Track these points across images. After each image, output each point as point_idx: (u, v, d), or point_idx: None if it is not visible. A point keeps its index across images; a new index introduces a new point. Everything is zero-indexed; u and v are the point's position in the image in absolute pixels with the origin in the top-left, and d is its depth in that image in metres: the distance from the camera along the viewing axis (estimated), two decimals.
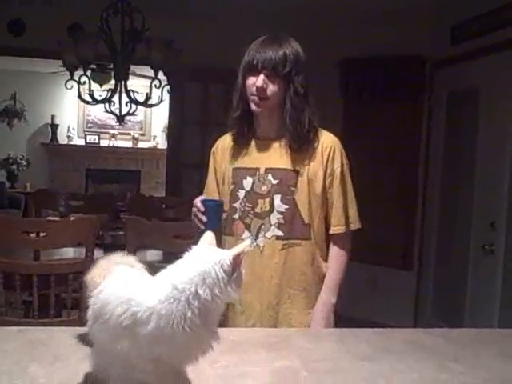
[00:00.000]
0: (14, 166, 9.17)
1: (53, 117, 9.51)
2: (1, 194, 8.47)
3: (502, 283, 3.67)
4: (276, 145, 1.90)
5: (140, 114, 9.56)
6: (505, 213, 3.68)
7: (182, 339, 0.97)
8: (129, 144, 9.89)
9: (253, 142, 1.94)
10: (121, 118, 3.57)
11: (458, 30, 4.38)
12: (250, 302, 1.90)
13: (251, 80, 1.84)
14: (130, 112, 3.56)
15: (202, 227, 1.85)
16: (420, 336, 1.63)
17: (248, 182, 1.91)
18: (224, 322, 1.93)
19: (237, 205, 1.93)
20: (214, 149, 2.06)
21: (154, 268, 1.08)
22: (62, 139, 9.68)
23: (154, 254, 3.69)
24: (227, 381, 1.21)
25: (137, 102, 3.58)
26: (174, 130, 5.51)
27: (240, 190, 1.92)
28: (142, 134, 9.94)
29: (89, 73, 3.90)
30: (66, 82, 3.50)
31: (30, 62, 6.97)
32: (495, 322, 3.65)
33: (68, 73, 3.67)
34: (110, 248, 3.61)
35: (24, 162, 9.21)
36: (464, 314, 4.05)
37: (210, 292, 0.98)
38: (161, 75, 3.70)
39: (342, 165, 1.92)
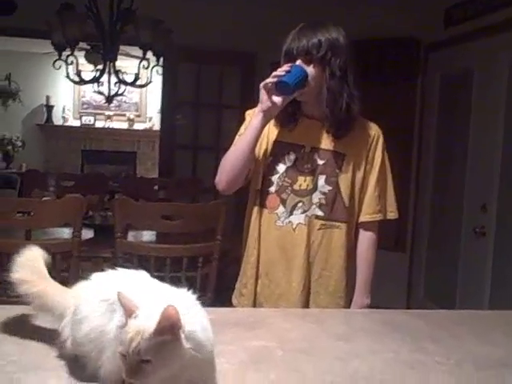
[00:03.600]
0: (10, 147, 9.15)
1: (48, 97, 9.46)
2: None
3: (493, 265, 3.69)
4: (322, 125, 1.89)
5: (136, 95, 9.51)
6: (496, 195, 3.69)
7: None
8: (124, 125, 9.84)
9: (299, 119, 1.90)
10: (109, 99, 3.55)
11: (451, 12, 4.34)
12: (276, 279, 1.91)
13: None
14: (119, 92, 3.54)
15: (275, 79, 1.76)
16: (398, 317, 1.63)
17: (290, 158, 1.89)
18: (255, 296, 1.93)
19: (274, 178, 1.90)
20: (250, 111, 1.94)
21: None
22: (57, 120, 9.64)
23: (148, 235, 3.69)
24: None
25: (125, 83, 3.56)
26: (167, 111, 5.47)
27: (280, 164, 1.90)
28: (138, 116, 9.89)
29: (82, 53, 3.84)
30: (54, 62, 3.48)
31: (24, 43, 6.90)
32: (486, 303, 3.67)
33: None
34: (99, 228, 3.62)
35: (19, 143, 9.19)
36: (455, 295, 4.07)
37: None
38: (152, 56, 3.67)
39: (383, 154, 1.95)
